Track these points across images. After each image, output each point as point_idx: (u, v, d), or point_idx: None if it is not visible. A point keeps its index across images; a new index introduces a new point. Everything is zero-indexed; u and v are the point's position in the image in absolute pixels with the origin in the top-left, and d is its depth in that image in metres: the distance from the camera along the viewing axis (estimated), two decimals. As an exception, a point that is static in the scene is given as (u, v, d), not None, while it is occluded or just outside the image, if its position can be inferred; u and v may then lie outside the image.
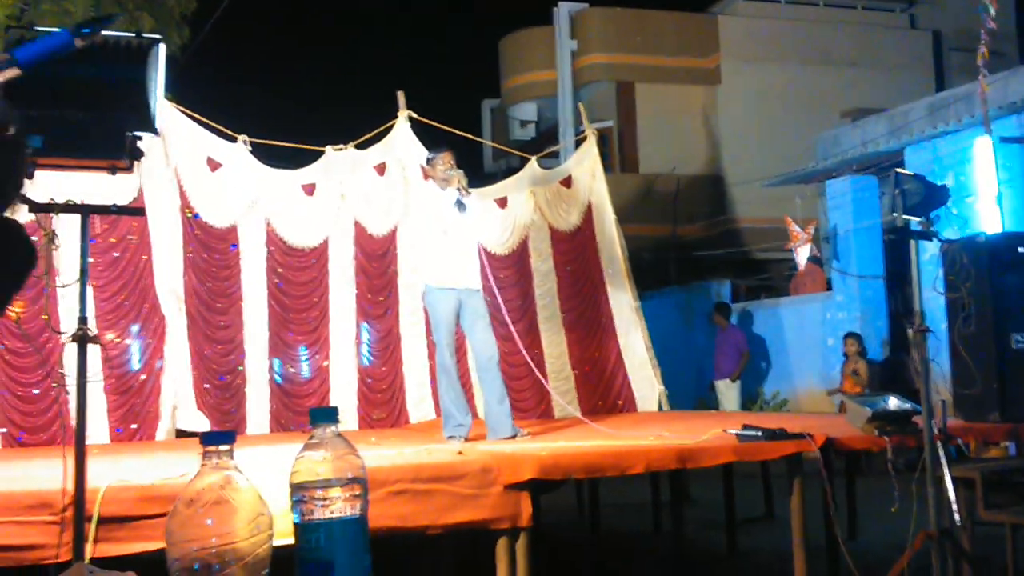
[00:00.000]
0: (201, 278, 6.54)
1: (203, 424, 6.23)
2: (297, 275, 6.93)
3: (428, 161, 5.66)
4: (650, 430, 5.24)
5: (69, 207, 2.69)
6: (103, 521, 2.98)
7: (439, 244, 5.34)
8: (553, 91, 18.81)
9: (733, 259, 16.05)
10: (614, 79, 18.65)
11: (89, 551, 2.85)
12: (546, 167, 8.51)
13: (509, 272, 7.58)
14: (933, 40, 19.47)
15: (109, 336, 6.11)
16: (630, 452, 4.08)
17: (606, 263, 8.10)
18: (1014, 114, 9.65)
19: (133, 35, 2.57)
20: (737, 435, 4.34)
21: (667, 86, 18.51)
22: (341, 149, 7.16)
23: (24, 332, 5.67)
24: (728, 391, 11.20)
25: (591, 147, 8.39)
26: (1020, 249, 5.05)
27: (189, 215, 6.54)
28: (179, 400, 6.25)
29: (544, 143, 17.90)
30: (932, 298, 4.50)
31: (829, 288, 12.44)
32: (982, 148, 9.51)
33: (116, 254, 6.29)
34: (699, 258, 16.28)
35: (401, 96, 7.43)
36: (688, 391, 12.19)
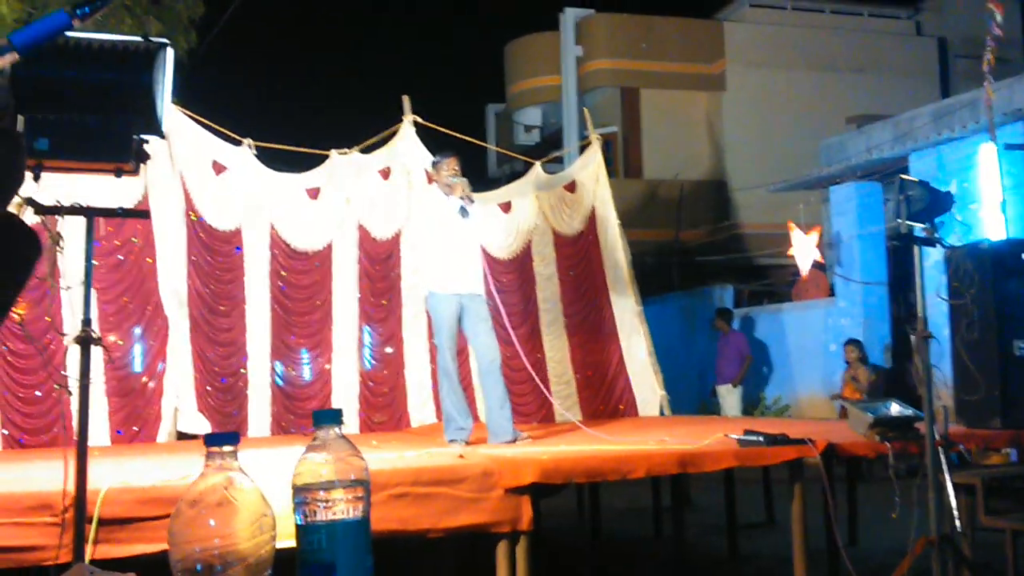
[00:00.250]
0: (204, 281, 6.55)
1: (204, 427, 6.23)
2: (300, 278, 6.94)
3: (433, 165, 5.67)
4: (651, 435, 5.24)
5: (74, 209, 2.69)
6: (104, 523, 2.98)
7: (441, 249, 5.34)
8: (558, 96, 18.84)
9: (736, 264, 16.03)
10: (619, 84, 18.66)
11: (89, 552, 2.85)
12: (550, 172, 8.51)
13: (512, 276, 7.59)
14: (939, 47, 19.46)
15: (112, 338, 6.12)
16: (631, 456, 4.08)
17: (609, 268, 8.11)
18: (1019, 121, 9.65)
19: (141, 39, 2.57)
20: (738, 440, 4.34)
21: (672, 92, 18.52)
22: (346, 153, 7.17)
23: (27, 333, 5.67)
24: (730, 396, 11.20)
25: (595, 152, 8.40)
26: None
27: (194, 218, 6.56)
28: (181, 402, 6.26)
29: (548, 148, 17.93)
30: (935, 304, 4.50)
31: (832, 294, 12.43)
32: (986, 155, 9.50)
33: (120, 257, 6.30)
34: (702, 263, 16.26)
35: (406, 100, 7.43)
36: (690, 396, 12.19)
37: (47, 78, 2.41)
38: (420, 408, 7.03)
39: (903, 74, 18.43)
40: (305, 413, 6.61)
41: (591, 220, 8.17)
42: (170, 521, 1.35)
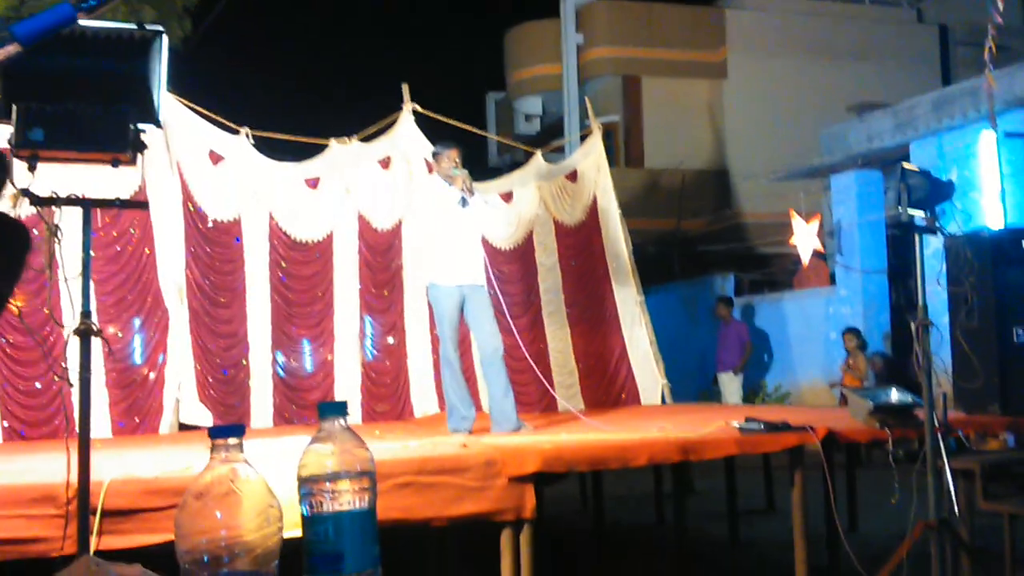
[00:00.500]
0: (204, 272, 6.55)
1: (206, 418, 6.23)
2: (301, 269, 6.93)
3: (434, 156, 5.66)
4: (653, 423, 5.25)
5: (71, 200, 2.65)
6: (107, 514, 2.99)
7: (442, 239, 5.34)
8: (558, 85, 18.75)
9: (737, 253, 16.03)
10: (620, 73, 18.59)
11: (94, 544, 2.86)
12: (551, 161, 8.49)
13: (514, 266, 7.59)
14: (940, 35, 19.40)
15: (111, 330, 6.11)
16: (633, 445, 4.09)
17: (611, 257, 8.10)
18: (1020, 109, 9.63)
19: (135, 27, 2.55)
20: (740, 428, 4.35)
21: (673, 80, 18.46)
22: (345, 143, 7.15)
23: (26, 326, 5.66)
24: (731, 384, 11.23)
25: (596, 141, 8.38)
26: (1023, 244, 5.06)
27: (192, 209, 6.54)
28: (182, 394, 6.26)
29: (549, 137, 17.89)
30: (935, 292, 4.51)
31: (832, 282, 12.44)
32: (987, 143, 9.49)
33: (118, 248, 6.28)
34: (703, 252, 16.27)
35: (406, 89, 7.41)
36: (691, 384, 12.21)
37: (40, 67, 2.38)
38: (423, 398, 7.04)
39: (904, 62, 18.37)
40: (307, 404, 6.62)
41: (592, 209, 8.16)
42: (176, 513, 1.35)
